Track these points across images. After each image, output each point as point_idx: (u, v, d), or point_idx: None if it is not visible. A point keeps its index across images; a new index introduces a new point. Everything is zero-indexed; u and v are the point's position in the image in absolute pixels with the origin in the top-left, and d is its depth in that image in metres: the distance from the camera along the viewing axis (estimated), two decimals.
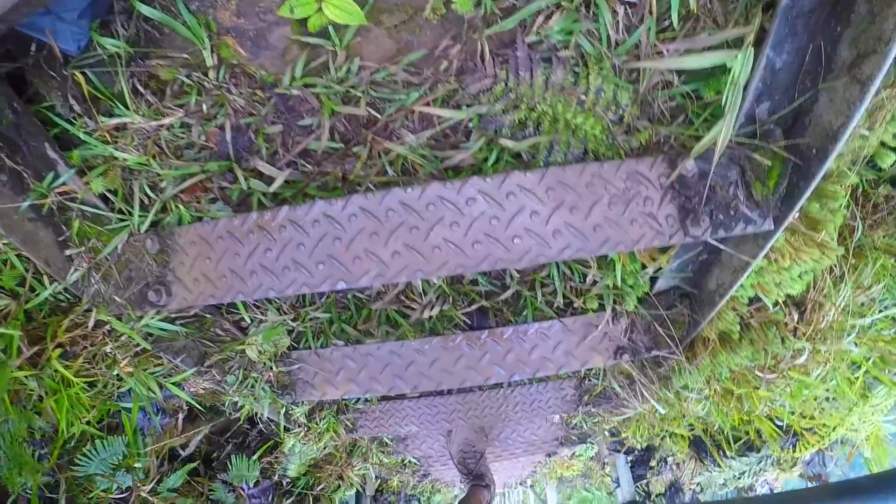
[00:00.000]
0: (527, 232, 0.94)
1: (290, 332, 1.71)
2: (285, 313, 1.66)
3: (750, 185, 1.09)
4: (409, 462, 2.93)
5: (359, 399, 2.05)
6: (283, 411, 1.98)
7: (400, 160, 1.14)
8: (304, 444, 2.16)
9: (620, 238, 0.96)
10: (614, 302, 1.44)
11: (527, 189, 0.95)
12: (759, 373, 1.50)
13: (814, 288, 1.47)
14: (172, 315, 1.50)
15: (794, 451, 2.18)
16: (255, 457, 2.09)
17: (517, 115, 1.05)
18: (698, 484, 2.54)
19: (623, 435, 2.47)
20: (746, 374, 1.60)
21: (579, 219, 0.95)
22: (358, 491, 2.87)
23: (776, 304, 1.42)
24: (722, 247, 1.20)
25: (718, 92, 1.06)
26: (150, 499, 1.90)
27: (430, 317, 1.55)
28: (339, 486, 2.56)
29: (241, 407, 1.82)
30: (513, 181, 0.95)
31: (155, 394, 1.52)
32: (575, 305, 1.48)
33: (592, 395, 1.98)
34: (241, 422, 1.98)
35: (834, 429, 2.09)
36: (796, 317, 1.48)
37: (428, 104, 1.06)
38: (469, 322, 1.54)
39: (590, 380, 1.97)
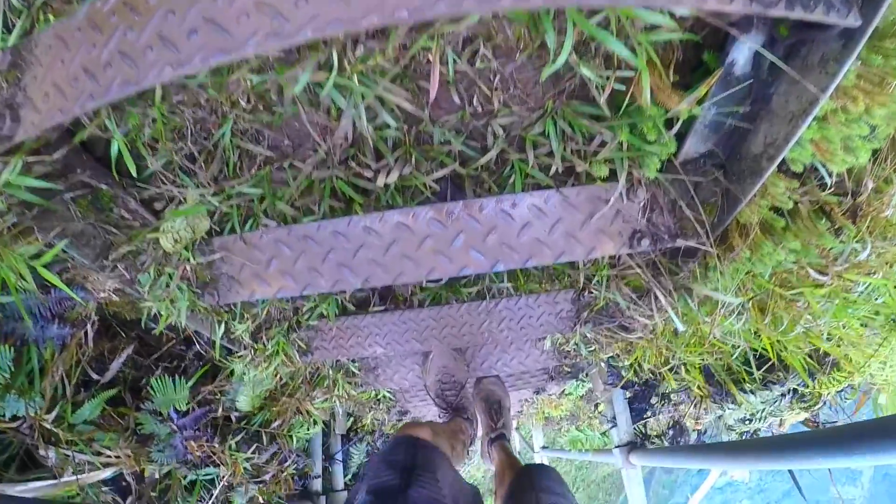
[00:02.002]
0: None
1: (211, 214, 1.35)
2: (204, 186, 1.30)
3: None
4: (384, 397, 2.63)
5: (311, 313, 1.71)
6: (221, 328, 1.64)
7: None
8: (252, 369, 1.83)
9: None
10: (630, 167, 1.09)
11: None
12: (811, 271, 1.16)
13: (871, 172, 1.14)
14: (60, 186, 1.16)
15: (819, 388, 1.88)
16: (190, 382, 1.76)
17: None
18: (702, 425, 2.25)
19: (623, 366, 2.17)
20: (790, 278, 1.27)
21: None
22: (325, 430, 2.58)
23: (830, 182, 1.08)
24: (786, 68, 0.84)
25: None
26: (58, 431, 1.57)
27: (387, 186, 1.19)
28: (302, 423, 2.26)
29: (162, 317, 1.47)
30: None
31: (26, 281, 1.16)
32: (578, 171, 1.12)
33: (592, 310, 1.65)
34: (158, 333, 1.63)
35: (865, 365, 1.79)
36: (852, 203, 1.15)
37: None
38: (439, 194, 1.18)
39: (590, 292, 1.63)
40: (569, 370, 2.41)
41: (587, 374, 2.54)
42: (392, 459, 1.12)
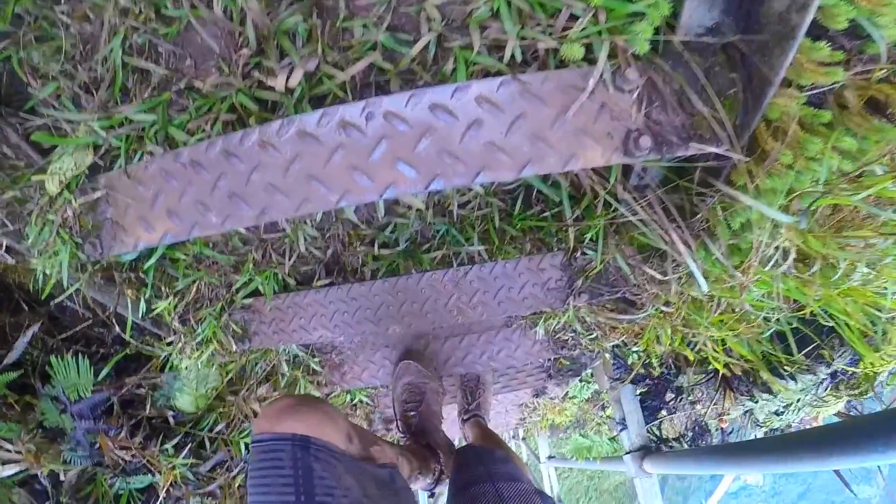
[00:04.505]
0: None
1: (98, 149, 1.09)
2: (92, 113, 1.04)
3: None
4: (360, 401, 2.31)
5: (245, 288, 1.42)
6: (140, 305, 1.37)
7: None
8: (185, 359, 1.54)
9: None
10: (612, 41, 0.78)
11: None
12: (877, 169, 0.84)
13: None
14: None
15: (873, 367, 1.52)
16: (105, 371, 1.47)
17: None
18: (728, 422, 1.89)
19: (634, 357, 1.83)
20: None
21: None
22: None
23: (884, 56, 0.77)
24: None
25: None
26: None
27: (292, 92, 0.90)
28: (250, 430, 1.95)
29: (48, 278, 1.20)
30: None
31: None
32: (541, 51, 0.83)
33: (588, 277, 1.34)
34: (45, 298, 1.36)
35: None
36: None
37: None
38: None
39: (583, 253, 1.32)
40: (569, 365, 2.07)
41: (591, 372, 2.20)
42: (278, 477, 0.75)
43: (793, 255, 0.99)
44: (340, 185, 0.80)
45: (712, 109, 0.81)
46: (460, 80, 0.83)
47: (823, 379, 1.54)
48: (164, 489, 1.65)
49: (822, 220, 1.03)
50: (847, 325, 1.24)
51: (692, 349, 1.43)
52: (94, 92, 1.08)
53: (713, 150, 0.82)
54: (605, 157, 0.80)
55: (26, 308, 1.43)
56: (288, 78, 0.86)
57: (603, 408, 2.60)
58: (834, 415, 1.90)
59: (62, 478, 1.46)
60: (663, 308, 1.38)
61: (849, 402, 1.77)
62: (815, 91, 0.82)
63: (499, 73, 0.82)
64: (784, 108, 0.81)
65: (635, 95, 0.80)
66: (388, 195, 0.79)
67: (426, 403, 1.67)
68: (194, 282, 1.41)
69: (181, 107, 1.06)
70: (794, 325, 1.38)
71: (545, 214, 1.29)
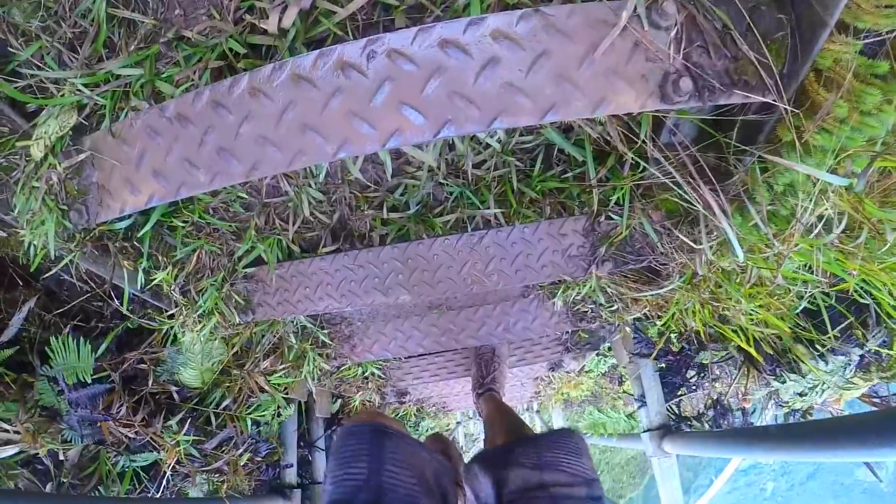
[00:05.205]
0: None
1: (82, 107, 1.01)
2: (77, 70, 0.96)
3: None
4: (372, 374, 2.25)
5: (247, 256, 1.34)
6: (138, 276, 1.31)
7: None
8: (188, 332, 1.48)
9: None
10: None
11: None
12: None
13: None
14: None
15: None
16: (103, 346, 1.41)
17: None
18: (751, 402, 1.80)
19: (656, 330, 1.74)
20: None
21: None
22: (306, 413, 2.22)
23: None
24: None
25: None
26: None
27: (287, 32, 0.81)
28: (269, 404, 1.90)
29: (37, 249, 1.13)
30: None
31: None
32: None
33: (612, 244, 1.24)
34: (34, 268, 1.30)
35: None
36: None
37: None
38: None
39: (608, 217, 1.22)
40: (587, 339, 1.99)
41: (609, 345, 2.11)
42: (356, 449, 0.90)
43: (843, 223, 0.88)
44: (339, 134, 0.72)
45: (758, 53, 0.71)
46: (474, 14, 0.73)
47: (853, 360, 1.44)
48: (170, 467, 1.61)
49: (867, 185, 0.93)
50: (888, 303, 1.15)
51: (724, 324, 1.34)
52: (78, 48, 1.00)
53: (759, 98, 0.72)
54: (639, 101, 0.70)
55: (21, 283, 1.37)
56: (281, 17, 0.77)
57: (620, 382, 2.53)
58: (858, 398, 1.81)
59: (61, 457, 1.42)
60: (692, 279, 1.29)
61: (871, 386, 1.69)
62: (868, 40, 0.72)
63: (518, 6, 0.72)
64: (837, 56, 0.70)
65: (673, 33, 0.69)
66: (392, 144, 0.71)
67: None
68: (194, 251, 1.34)
69: (170, 59, 0.97)
70: (829, 302, 1.29)
71: (567, 175, 1.20)
